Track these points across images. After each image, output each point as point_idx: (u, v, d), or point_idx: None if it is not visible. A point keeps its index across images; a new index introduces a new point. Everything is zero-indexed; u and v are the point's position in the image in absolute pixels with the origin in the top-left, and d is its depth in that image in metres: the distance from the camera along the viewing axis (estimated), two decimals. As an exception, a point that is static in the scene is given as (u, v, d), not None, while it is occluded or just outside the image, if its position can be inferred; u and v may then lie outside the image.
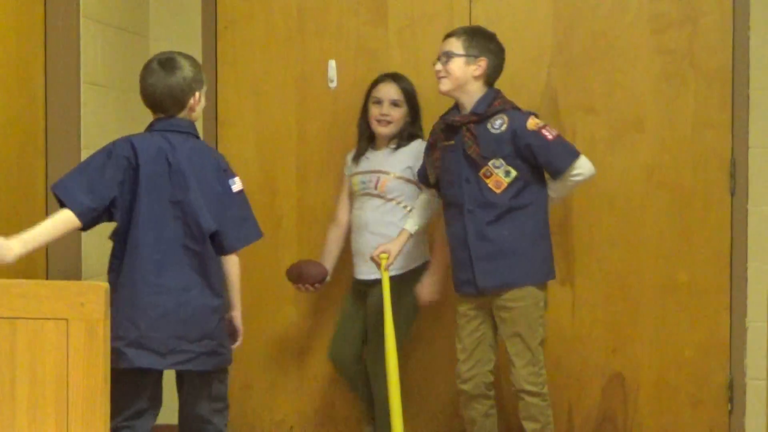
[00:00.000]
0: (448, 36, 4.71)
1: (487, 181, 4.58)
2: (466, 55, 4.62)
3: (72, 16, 4.56)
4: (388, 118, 5.03)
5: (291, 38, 5.42)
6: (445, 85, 4.65)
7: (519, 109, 4.68)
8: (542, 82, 5.29)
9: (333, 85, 5.38)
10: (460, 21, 5.28)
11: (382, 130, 5.06)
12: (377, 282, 4.91)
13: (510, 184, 4.58)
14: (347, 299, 5.21)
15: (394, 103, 5.05)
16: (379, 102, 5.06)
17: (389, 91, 5.06)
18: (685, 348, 5.29)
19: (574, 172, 4.59)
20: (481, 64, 4.62)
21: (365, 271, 5.05)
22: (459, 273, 4.73)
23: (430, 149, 4.80)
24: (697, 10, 5.24)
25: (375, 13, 5.38)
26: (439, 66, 4.65)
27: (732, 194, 5.23)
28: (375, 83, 5.11)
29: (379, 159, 5.10)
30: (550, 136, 4.57)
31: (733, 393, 5.26)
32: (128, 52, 5.13)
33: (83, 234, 4.58)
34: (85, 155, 4.60)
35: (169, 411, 4.63)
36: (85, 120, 4.63)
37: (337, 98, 5.40)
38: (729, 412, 5.28)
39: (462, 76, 4.63)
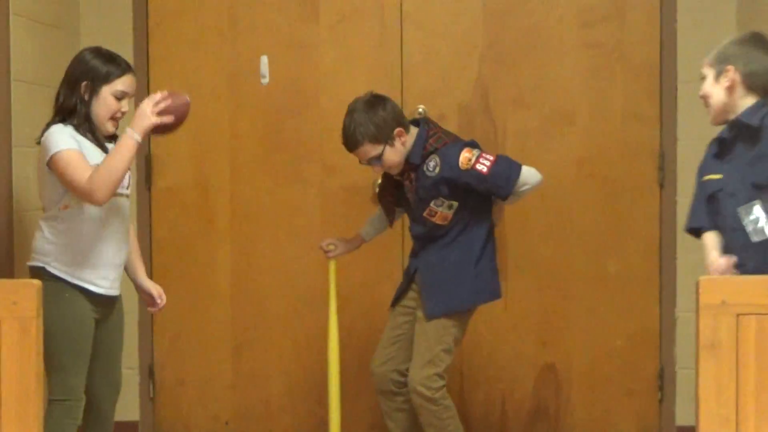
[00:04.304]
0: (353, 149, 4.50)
1: (433, 219, 4.52)
2: (384, 143, 4.45)
3: (2, 13, 4.53)
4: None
5: (222, 34, 5.41)
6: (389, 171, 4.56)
7: (452, 142, 4.53)
8: (473, 77, 5.32)
9: (265, 81, 5.38)
10: (391, 17, 5.31)
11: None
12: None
13: (455, 214, 4.51)
14: None
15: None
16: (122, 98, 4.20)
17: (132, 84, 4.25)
18: (616, 338, 5.35)
19: (521, 189, 4.47)
20: (401, 137, 4.48)
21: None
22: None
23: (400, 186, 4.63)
24: (625, 4, 5.30)
25: (307, 9, 5.38)
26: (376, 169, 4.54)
27: (661, 186, 5.30)
28: (116, 76, 4.16)
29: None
30: (485, 170, 4.39)
31: (664, 382, 5.33)
32: (59, 49, 5.09)
33: (15, 231, 4.55)
34: (16, 153, 4.57)
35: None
36: (16, 117, 4.60)
37: (270, 94, 5.39)
38: (659, 400, 5.35)
39: (395, 158, 4.49)
